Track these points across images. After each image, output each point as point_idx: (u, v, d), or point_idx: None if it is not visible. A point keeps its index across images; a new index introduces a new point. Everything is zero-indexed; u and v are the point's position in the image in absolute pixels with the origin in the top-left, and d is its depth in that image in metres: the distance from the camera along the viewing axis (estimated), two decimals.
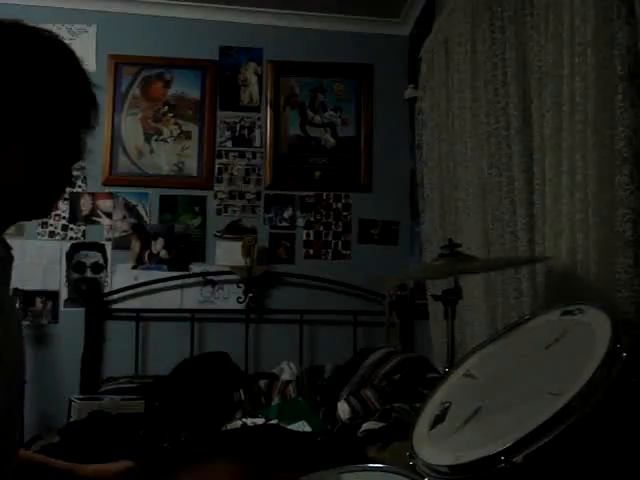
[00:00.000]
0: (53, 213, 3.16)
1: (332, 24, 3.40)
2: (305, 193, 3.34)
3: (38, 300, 3.11)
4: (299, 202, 3.33)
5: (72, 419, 2.33)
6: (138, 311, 3.12)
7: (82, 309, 3.08)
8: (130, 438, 1.99)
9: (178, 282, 3.20)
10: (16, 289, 2.91)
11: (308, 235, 3.32)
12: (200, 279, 3.22)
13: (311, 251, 3.32)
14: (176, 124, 3.30)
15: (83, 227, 3.19)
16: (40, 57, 0.88)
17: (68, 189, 3.18)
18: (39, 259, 3.12)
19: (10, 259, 0.96)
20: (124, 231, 3.22)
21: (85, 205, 3.20)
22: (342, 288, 3.23)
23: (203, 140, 3.30)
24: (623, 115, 1.28)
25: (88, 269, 3.18)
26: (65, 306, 3.14)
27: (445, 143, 2.57)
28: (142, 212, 3.24)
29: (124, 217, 3.22)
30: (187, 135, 3.31)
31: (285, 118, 3.38)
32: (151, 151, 3.28)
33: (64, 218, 3.17)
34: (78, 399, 2.39)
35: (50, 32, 0.91)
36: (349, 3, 3.27)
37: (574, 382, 0.92)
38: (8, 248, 0.96)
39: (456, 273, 1.62)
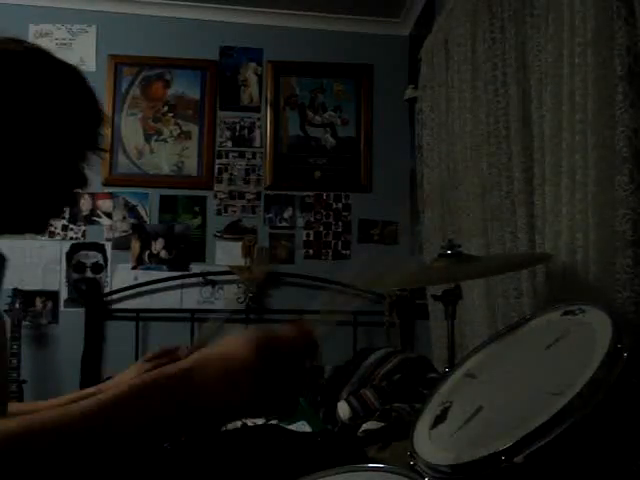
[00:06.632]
0: None
1: (332, 24, 3.40)
2: (305, 193, 3.34)
3: (38, 300, 3.11)
4: (299, 202, 3.33)
5: None
6: (138, 311, 3.12)
7: (82, 309, 3.08)
8: None
9: (178, 282, 3.21)
10: (16, 289, 2.91)
11: (308, 235, 3.32)
12: (200, 279, 3.22)
13: (311, 251, 3.32)
14: (176, 124, 3.30)
15: (83, 227, 3.19)
16: (53, 81, 0.91)
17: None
18: (39, 259, 3.12)
19: None
20: (124, 231, 3.22)
21: (85, 205, 3.20)
22: (342, 288, 3.22)
23: (203, 140, 3.30)
24: (623, 115, 1.28)
25: (88, 269, 3.18)
26: (65, 306, 3.14)
27: (445, 143, 2.57)
28: (142, 212, 3.24)
29: (124, 217, 3.22)
30: (187, 135, 3.30)
31: (285, 118, 3.38)
32: (151, 151, 3.28)
33: (64, 218, 3.17)
34: None
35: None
36: (349, 3, 3.27)
37: (575, 382, 0.92)
38: None
39: (457, 280, 1.61)
